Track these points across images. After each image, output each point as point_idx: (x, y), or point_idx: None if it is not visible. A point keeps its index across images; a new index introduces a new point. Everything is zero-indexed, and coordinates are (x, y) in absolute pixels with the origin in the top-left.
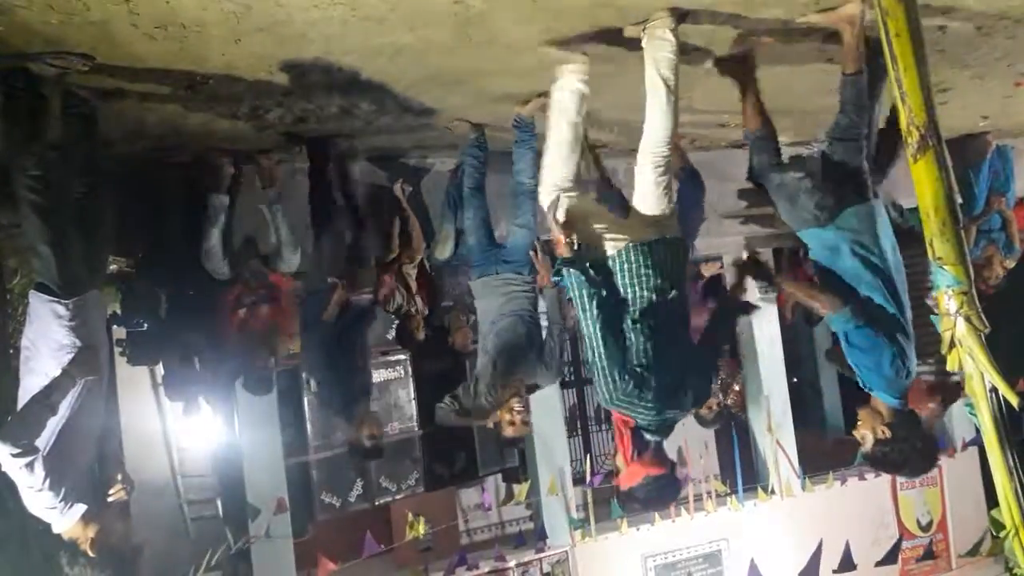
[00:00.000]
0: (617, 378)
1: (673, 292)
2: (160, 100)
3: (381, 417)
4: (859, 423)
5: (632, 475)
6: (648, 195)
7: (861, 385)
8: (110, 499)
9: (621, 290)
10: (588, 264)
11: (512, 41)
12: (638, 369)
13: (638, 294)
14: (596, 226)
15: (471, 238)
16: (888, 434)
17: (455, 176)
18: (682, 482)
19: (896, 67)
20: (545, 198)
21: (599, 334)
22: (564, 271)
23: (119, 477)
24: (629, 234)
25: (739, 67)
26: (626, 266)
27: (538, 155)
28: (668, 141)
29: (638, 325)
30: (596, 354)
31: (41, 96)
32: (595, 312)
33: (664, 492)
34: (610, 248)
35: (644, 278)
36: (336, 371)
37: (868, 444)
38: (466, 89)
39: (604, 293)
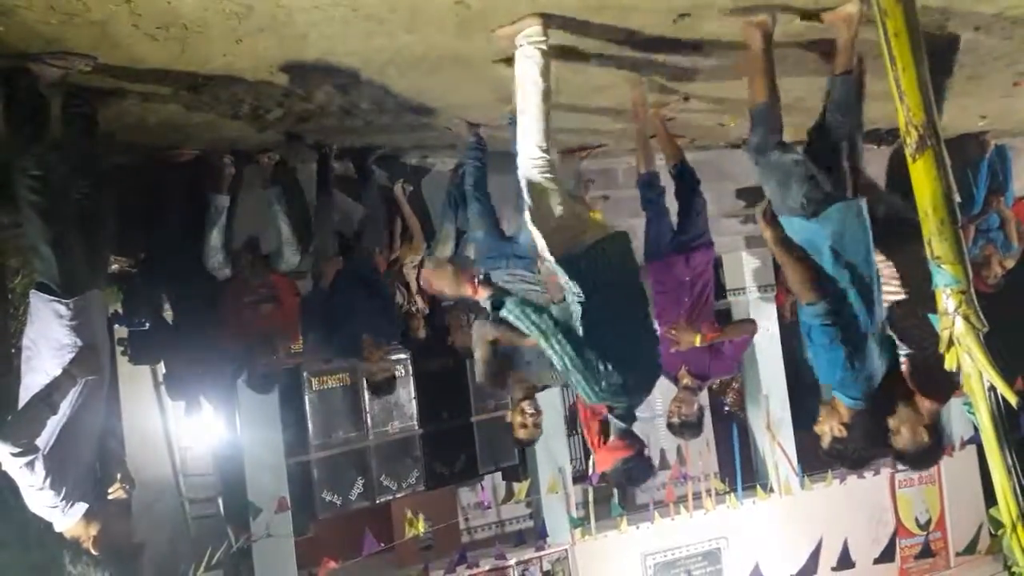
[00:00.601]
0: (599, 374)
1: (625, 286)
2: (161, 100)
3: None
4: (819, 420)
5: (604, 460)
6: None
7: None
8: (110, 497)
9: (583, 289)
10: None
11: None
12: (602, 368)
13: (594, 286)
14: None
15: (478, 230)
16: (844, 433)
17: (455, 176)
18: (651, 462)
19: (895, 67)
20: (523, 169)
21: (565, 344)
22: (502, 306)
23: (119, 476)
24: (594, 232)
25: (756, 33)
26: (593, 258)
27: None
28: (542, 144)
29: (592, 323)
30: (569, 363)
31: (42, 96)
32: (551, 326)
33: (638, 471)
34: (584, 237)
35: (601, 271)
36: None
37: (825, 441)
38: (466, 89)
39: (547, 309)
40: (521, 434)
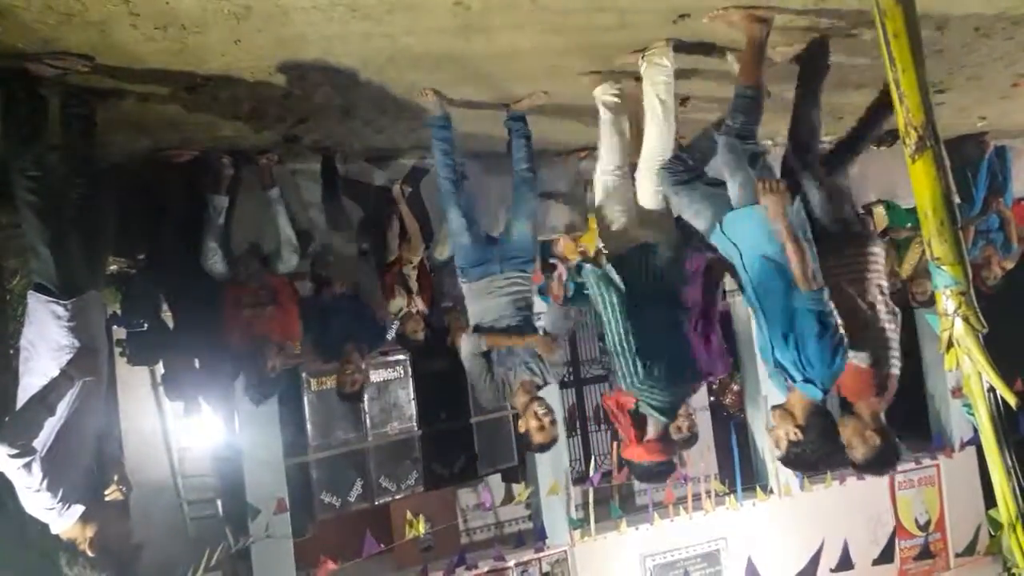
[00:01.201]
0: (637, 366)
1: (670, 285)
2: (160, 101)
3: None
4: (773, 427)
5: (637, 454)
6: (647, 196)
7: (785, 383)
8: (107, 499)
9: (628, 284)
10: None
11: (511, 41)
12: (649, 359)
13: (641, 289)
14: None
15: (462, 238)
16: (800, 436)
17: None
18: (676, 465)
19: (894, 68)
20: (642, 176)
21: (622, 327)
22: (584, 270)
23: (116, 478)
24: (639, 234)
25: (756, 24)
26: (635, 263)
27: (532, 143)
28: (665, 154)
29: (644, 317)
30: (618, 346)
31: (40, 97)
32: (617, 306)
33: (662, 474)
34: (629, 243)
35: (647, 275)
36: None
37: (782, 446)
38: (465, 89)
39: (623, 288)
40: (540, 438)
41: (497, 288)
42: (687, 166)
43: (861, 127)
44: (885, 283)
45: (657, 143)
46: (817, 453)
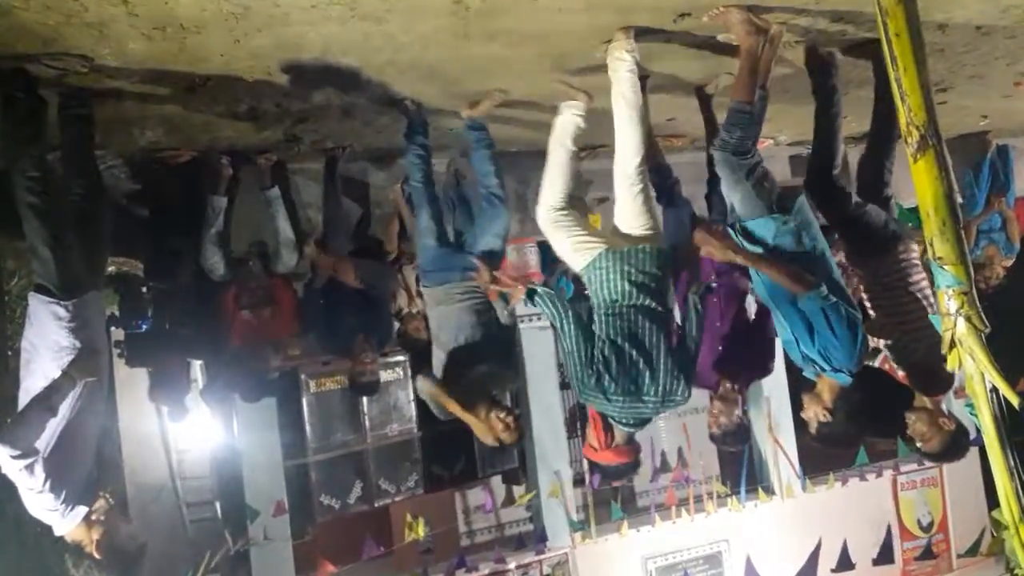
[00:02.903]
0: (583, 375)
1: (643, 299)
2: (159, 101)
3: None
4: (803, 408)
5: (603, 456)
6: (628, 212)
7: (816, 373)
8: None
9: (592, 295)
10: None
11: (511, 41)
12: (600, 368)
13: (606, 298)
14: (574, 237)
15: (427, 239)
16: (829, 417)
17: (451, 176)
18: (641, 464)
19: (896, 67)
20: (541, 217)
21: (573, 336)
22: (538, 293)
23: (109, 489)
24: (605, 241)
25: (753, 35)
26: (598, 272)
27: (496, 154)
28: (640, 155)
29: (603, 328)
30: (568, 354)
31: (39, 98)
32: (569, 316)
33: (626, 472)
34: (586, 256)
35: (612, 283)
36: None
37: (813, 427)
38: (465, 89)
39: (571, 303)
40: (507, 437)
41: (455, 296)
42: (754, 159)
43: (878, 134)
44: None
45: (631, 146)
46: (847, 431)
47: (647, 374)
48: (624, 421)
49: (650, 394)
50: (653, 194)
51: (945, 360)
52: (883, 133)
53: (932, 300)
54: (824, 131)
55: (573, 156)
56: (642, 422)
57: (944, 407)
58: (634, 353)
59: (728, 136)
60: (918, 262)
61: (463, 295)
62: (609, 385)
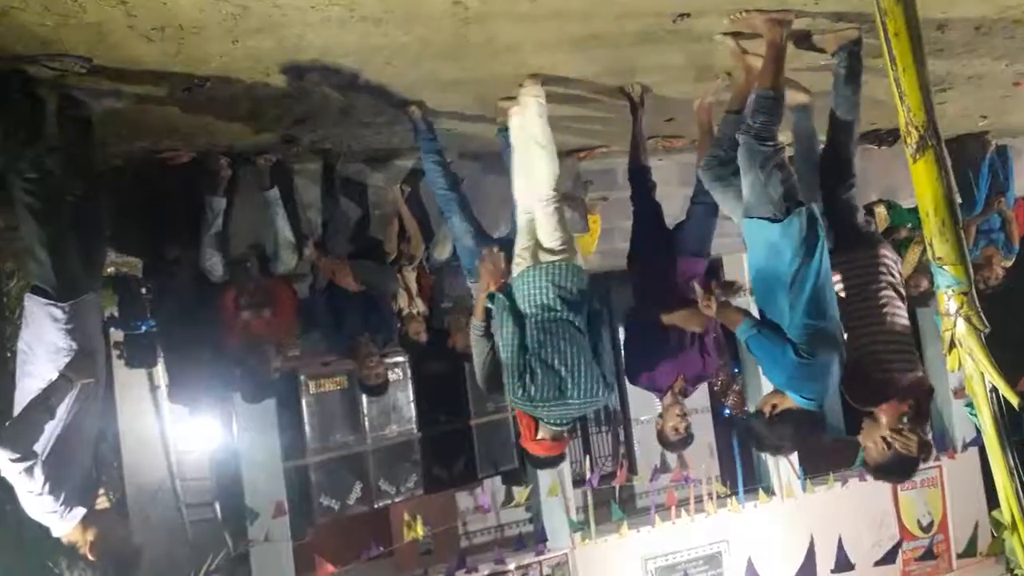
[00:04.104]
0: (512, 384)
1: (564, 309)
2: (158, 102)
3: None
4: (764, 396)
5: (532, 448)
6: (546, 230)
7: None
8: (97, 507)
9: (521, 304)
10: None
11: (510, 42)
12: (527, 379)
13: (529, 311)
14: (516, 247)
15: (465, 240)
16: (770, 416)
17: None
18: (564, 456)
19: (895, 67)
20: (540, 214)
21: (509, 346)
22: (496, 298)
23: (102, 491)
24: (530, 259)
25: (776, 27)
26: (523, 286)
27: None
28: (553, 181)
29: (530, 336)
30: (504, 363)
31: (38, 99)
32: (510, 328)
33: (551, 463)
34: (516, 269)
35: (534, 297)
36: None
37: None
38: (464, 90)
39: (517, 315)
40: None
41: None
42: (721, 159)
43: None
44: (899, 284)
45: (547, 175)
46: (776, 442)
47: (569, 380)
48: (551, 421)
49: (574, 396)
50: (568, 215)
51: (875, 375)
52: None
53: (893, 311)
54: (846, 116)
55: (549, 140)
56: (570, 420)
57: (902, 426)
58: (556, 360)
59: (752, 121)
60: (891, 269)
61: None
62: (536, 394)
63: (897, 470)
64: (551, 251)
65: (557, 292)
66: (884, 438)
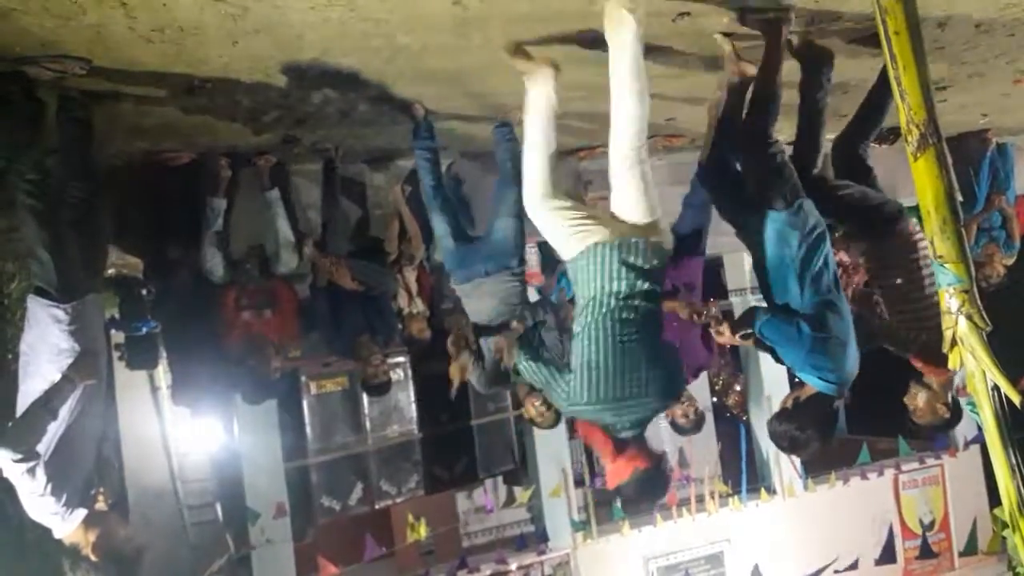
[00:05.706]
0: (568, 394)
1: (640, 292)
2: (158, 103)
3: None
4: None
5: (619, 471)
6: (627, 199)
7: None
8: (96, 507)
9: (579, 287)
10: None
11: (510, 42)
12: (585, 373)
13: (598, 291)
14: (569, 221)
15: (447, 241)
16: (789, 407)
17: (450, 176)
18: (669, 474)
19: (895, 65)
20: (529, 205)
21: (549, 379)
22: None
23: (101, 490)
24: (601, 234)
25: (775, 24)
26: (590, 265)
27: (517, 141)
28: (641, 134)
29: (592, 325)
30: (550, 390)
31: (38, 100)
32: (543, 370)
33: (654, 484)
34: (578, 244)
35: (607, 275)
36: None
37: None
38: (464, 90)
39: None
40: (539, 421)
41: (484, 289)
42: (722, 159)
43: (865, 111)
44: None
45: (632, 123)
46: (800, 436)
47: (641, 371)
48: (623, 426)
49: (645, 391)
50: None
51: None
52: (873, 117)
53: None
54: (810, 125)
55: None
56: (643, 423)
57: (949, 392)
58: (625, 351)
59: (756, 120)
60: (920, 237)
61: (490, 287)
62: (600, 393)
63: (943, 427)
64: (629, 224)
65: (634, 272)
66: (937, 408)
